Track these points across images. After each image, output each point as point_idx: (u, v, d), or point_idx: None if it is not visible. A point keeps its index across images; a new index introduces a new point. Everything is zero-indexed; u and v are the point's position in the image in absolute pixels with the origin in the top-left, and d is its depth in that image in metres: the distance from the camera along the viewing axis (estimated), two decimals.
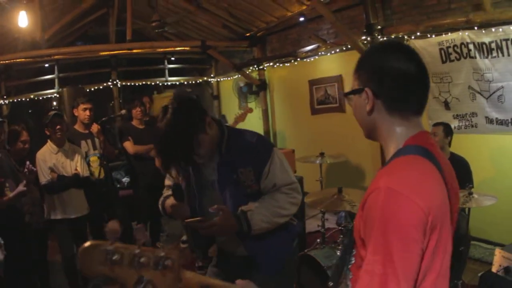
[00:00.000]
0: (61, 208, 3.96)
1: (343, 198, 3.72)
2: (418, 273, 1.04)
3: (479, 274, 3.30)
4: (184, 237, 5.82)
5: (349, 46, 5.71)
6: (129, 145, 5.05)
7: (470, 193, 3.42)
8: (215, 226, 2.06)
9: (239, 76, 8.20)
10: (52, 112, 4.03)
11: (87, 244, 1.00)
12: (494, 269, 3.13)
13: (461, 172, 3.92)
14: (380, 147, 5.58)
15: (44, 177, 3.88)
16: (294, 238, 2.36)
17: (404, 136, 1.22)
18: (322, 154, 4.77)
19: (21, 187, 3.28)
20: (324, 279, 3.36)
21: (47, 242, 4.17)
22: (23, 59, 6.66)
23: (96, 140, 4.56)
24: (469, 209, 3.60)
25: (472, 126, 4.56)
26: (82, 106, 4.47)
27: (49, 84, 7.68)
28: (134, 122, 5.18)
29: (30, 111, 8.54)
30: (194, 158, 2.02)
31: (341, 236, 3.83)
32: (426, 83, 1.25)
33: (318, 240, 4.32)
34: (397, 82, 1.20)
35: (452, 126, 4.56)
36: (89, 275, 1.01)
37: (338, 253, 3.47)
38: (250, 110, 5.33)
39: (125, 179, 6.92)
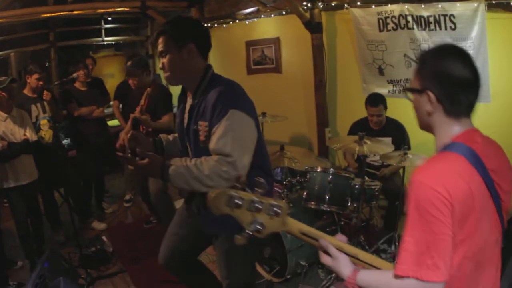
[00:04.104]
0: (13, 176, 3.97)
1: (285, 155, 3.94)
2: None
3: None
4: (127, 197, 6.00)
5: (288, 10, 5.72)
6: (73, 108, 5.06)
7: (405, 153, 3.65)
8: (141, 166, 2.11)
9: None
10: (3, 78, 3.97)
11: (218, 190, 1.33)
12: None
13: (397, 134, 4.32)
14: (315, 109, 5.92)
15: None
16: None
17: (453, 135, 1.39)
18: (264, 114, 4.86)
19: None
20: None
21: None
22: None
23: (45, 103, 4.57)
24: (403, 168, 3.89)
25: None
26: (36, 76, 4.48)
27: None
28: (77, 85, 5.13)
29: None
30: None
31: (285, 190, 4.07)
32: (479, 86, 1.37)
33: None
34: (456, 88, 1.35)
35: (386, 90, 4.84)
36: (216, 213, 1.36)
37: None
38: None
39: (65, 141, 6.87)
